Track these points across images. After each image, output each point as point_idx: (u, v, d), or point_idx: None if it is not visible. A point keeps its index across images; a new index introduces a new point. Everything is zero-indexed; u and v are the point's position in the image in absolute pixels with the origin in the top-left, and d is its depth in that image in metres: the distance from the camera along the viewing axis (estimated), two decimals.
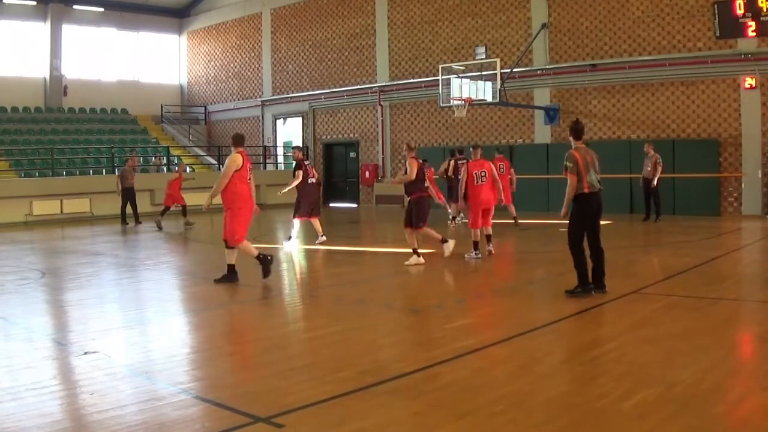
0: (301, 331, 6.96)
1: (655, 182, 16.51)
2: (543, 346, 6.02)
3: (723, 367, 5.12)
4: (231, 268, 9.22)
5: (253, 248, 9.25)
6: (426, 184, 10.69)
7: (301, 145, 15.99)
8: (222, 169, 8.88)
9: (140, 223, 18.85)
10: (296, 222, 13.38)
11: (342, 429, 4.05)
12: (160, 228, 17.19)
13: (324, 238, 13.49)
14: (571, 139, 7.87)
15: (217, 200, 9.15)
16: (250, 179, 9.04)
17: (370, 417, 4.23)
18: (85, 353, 5.71)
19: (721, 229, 15.18)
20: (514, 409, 4.32)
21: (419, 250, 10.51)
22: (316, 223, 13.51)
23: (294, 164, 13.89)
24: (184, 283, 10.10)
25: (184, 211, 18.32)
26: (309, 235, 14.19)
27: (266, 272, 9.19)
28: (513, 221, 15.82)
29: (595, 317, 6.90)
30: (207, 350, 6.09)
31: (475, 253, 10.85)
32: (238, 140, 9.13)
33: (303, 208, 13.30)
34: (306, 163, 13.62)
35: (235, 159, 8.83)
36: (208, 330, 6.89)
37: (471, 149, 11.64)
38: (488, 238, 11.25)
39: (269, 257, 9.24)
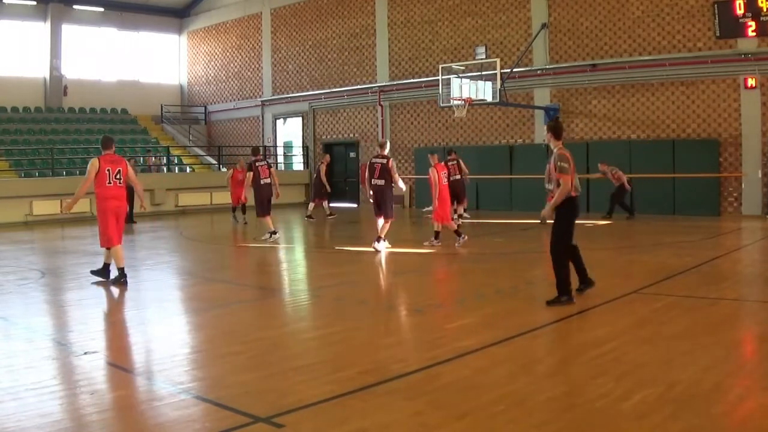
0: (301, 331, 6.96)
1: (627, 185, 17.61)
2: (543, 346, 6.03)
3: (723, 367, 5.12)
4: (106, 267, 9.44)
5: (122, 258, 9.30)
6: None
7: (259, 147, 16.22)
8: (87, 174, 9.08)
9: (134, 223, 18.87)
10: (266, 219, 14.13)
11: (342, 429, 4.05)
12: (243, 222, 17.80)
13: (277, 236, 14.00)
14: (551, 139, 7.50)
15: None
16: (120, 180, 9.22)
17: (370, 417, 4.23)
18: (85, 353, 5.71)
19: (721, 229, 15.19)
20: (514, 409, 4.32)
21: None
22: (267, 220, 14.08)
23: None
24: (184, 283, 10.09)
25: (243, 208, 18.45)
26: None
27: (109, 279, 9.29)
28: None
29: (595, 317, 6.90)
30: (207, 350, 6.09)
31: (437, 241, 12.50)
32: (105, 143, 9.35)
33: (257, 206, 14.24)
34: (259, 164, 14.16)
35: (94, 163, 9.09)
36: (208, 330, 6.89)
37: (429, 155, 12.98)
38: (437, 235, 12.61)
39: (124, 279, 9.16)
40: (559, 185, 7.22)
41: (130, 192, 18.96)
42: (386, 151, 12.49)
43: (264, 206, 14.13)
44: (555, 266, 7.33)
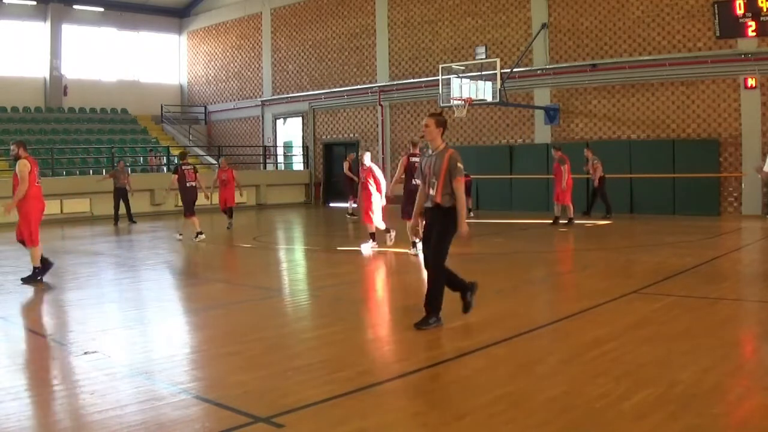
0: (301, 331, 6.95)
1: (596, 182, 17.72)
2: (543, 346, 6.02)
3: (723, 367, 5.11)
4: (38, 268, 9.42)
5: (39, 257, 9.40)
6: None
7: (186, 152, 16.37)
8: (20, 176, 9.18)
9: (134, 222, 19.01)
10: (192, 220, 14.64)
11: (342, 429, 4.05)
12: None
13: (203, 236, 14.43)
14: (436, 136, 6.38)
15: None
16: (38, 182, 9.43)
17: (370, 417, 4.23)
18: (85, 353, 5.71)
19: (721, 229, 15.18)
20: (514, 409, 4.31)
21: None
22: (193, 221, 14.54)
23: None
24: (184, 283, 10.09)
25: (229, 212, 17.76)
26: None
27: (34, 279, 9.34)
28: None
29: (595, 317, 6.89)
30: (207, 350, 6.09)
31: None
32: (24, 145, 9.49)
33: (184, 208, 14.75)
34: (185, 168, 14.74)
35: (26, 164, 9.18)
36: (208, 330, 6.89)
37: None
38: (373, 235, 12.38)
39: (39, 270, 9.31)
40: (450, 191, 6.22)
41: (122, 193, 19.09)
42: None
43: (190, 207, 14.70)
44: (434, 284, 6.34)
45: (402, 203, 11.58)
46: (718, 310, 7.25)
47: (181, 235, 14.78)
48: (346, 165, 20.19)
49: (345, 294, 8.61)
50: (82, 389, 4.82)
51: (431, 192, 6.31)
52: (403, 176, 11.38)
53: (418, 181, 10.75)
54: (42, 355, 5.79)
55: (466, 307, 6.60)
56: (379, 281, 10.13)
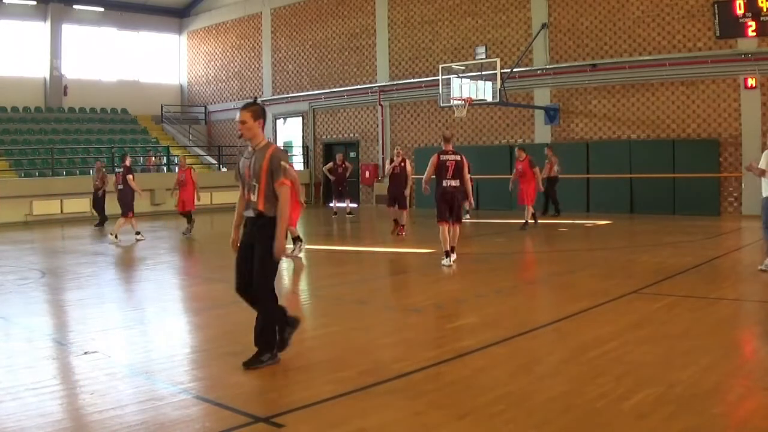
0: (301, 331, 6.93)
1: (546, 178, 17.52)
2: (543, 346, 6.02)
3: (723, 367, 5.12)
4: None
5: None
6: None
7: (126, 155, 16.18)
8: None
9: (99, 226, 18.49)
10: (121, 221, 15.05)
11: (342, 429, 4.05)
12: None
13: (139, 236, 14.84)
14: (254, 127, 5.24)
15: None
16: None
17: (370, 417, 4.23)
18: (85, 353, 5.71)
19: (721, 229, 15.19)
20: (514, 409, 4.31)
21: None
22: (124, 222, 15.01)
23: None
24: (184, 283, 10.09)
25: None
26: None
27: None
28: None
29: (595, 317, 6.89)
30: (207, 350, 6.09)
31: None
32: None
33: (121, 208, 15.15)
34: (118, 171, 15.38)
35: None
36: (208, 330, 6.89)
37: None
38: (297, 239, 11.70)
39: None
40: (275, 196, 5.17)
41: (99, 194, 18.84)
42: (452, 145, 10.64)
43: (123, 209, 15.04)
44: (265, 316, 5.34)
45: (438, 209, 10.33)
46: (718, 310, 7.26)
47: (117, 237, 14.63)
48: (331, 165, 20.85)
49: (345, 294, 8.61)
50: (82, 389, 4.82)
51: (252, 198, 5.23)
52: (433, 176, 10.37)
53: (452, 182, 10.12)
54: (42, 355, 5.79)
55: (281, 345, 5.43)
56: (380, 281, 10.12)
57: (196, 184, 16.30)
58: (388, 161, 15.34)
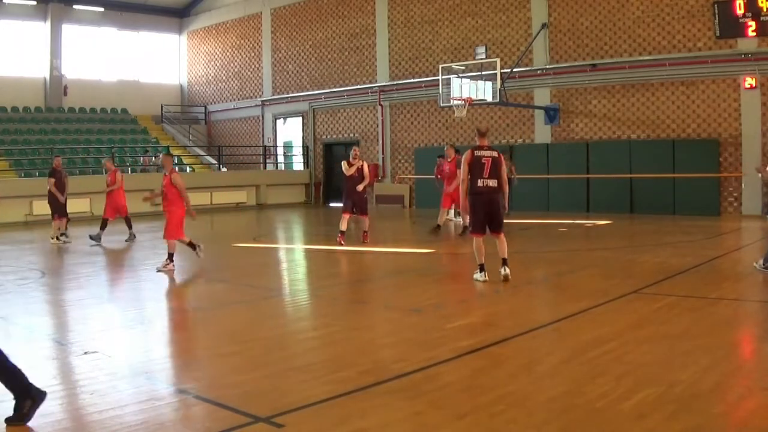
0: (301, 331, 6.95)
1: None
2: (543, 346, 6.02)
3: (723, 367, 5.12)
4: None
5: None
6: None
7: (59, 158, 15.44)
8: None
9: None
10: (58, 222, 14.79)
11: (342, 429, 4.05)
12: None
13: (64, 238, 14.55)
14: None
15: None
16: None
17: (370, 417, 4.23)
18: (85, 353, 5.71)
19: (721, 229, 15.18)
20: (514, 409, 4.31)
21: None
22: (59, 222, 14.72)
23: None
24: (185, 283, 10.09)
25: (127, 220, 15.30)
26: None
27: None
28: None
29: (595, 317, 6.89)
30: (207, 350, 6.09)
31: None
32: None
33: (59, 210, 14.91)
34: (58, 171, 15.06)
35: None
36: (208, 330, 6.89)
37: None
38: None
39: None
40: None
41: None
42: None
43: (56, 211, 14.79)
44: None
45: (470, 216, 9.13)
46: (718, 310, 7.26)
47: (64, 236, 14.49)
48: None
49: (345, 294, 8.61)
50: (82, 389, 4.82)
51: None
52: (468, 176, 8.83)
53: (489, 182, 8.67)
54: (42, 355, 5.79)
55: (19, 419, 4.14)
56: (379, 281, 10.12)
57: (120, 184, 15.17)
58: (344, 162, 13.26)
